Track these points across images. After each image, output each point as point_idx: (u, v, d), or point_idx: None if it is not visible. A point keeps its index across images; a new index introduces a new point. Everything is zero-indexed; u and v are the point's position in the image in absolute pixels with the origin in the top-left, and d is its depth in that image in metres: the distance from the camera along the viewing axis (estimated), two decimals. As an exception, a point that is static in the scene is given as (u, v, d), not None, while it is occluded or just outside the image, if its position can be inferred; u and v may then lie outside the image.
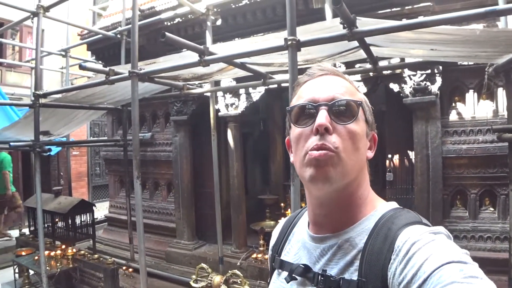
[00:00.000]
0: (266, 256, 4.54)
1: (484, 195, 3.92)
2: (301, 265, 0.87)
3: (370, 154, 0.90)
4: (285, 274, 0.92)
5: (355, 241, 0.81)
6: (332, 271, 0.81)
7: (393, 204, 0.89)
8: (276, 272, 1.01)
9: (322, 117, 0.81)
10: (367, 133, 0.88)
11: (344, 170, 0.80)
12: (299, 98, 0.89)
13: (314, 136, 0.81)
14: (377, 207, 0.87)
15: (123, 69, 3.63)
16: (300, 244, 0.95)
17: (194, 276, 3.44)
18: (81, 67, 3.38)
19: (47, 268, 4.71)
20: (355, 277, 0.76)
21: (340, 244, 0.83)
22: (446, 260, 0.64)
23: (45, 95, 4.34)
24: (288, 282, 0.89)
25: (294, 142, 0.89)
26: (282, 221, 1.15)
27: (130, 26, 4.58)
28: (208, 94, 4.64)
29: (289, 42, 2.35)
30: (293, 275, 0.88)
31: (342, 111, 0.83)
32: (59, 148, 8.76)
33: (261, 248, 4.73)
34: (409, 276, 0.66)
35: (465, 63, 3.80)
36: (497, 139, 3.44)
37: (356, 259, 0.79)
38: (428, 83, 3.74)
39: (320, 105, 0.83)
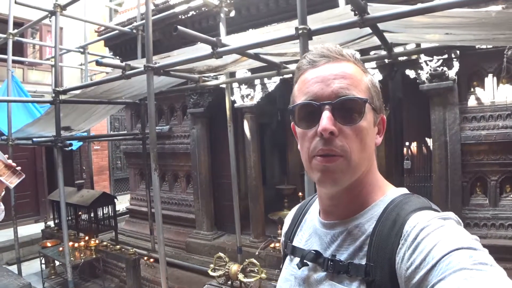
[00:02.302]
0: (284, 245, 4.58)
1: (505, 182, 3.84)
2: (312, 251, 0.87)
3: (379, 139, 0.87)
4: (297, 260, 0.92)
5: (364, 227, 0.81)
6: (342, 256, 0.81)
7: (403, 190, 0.87)
8: (288, 258, 1.00)
9: (326, 120, 0.76)
10: (374, 122, 0.84)
11: (353, 171, 0.79)
12: (301, 93, 0.83)
13: (319, 138, 0.77)
14: (386, 193, 0.86)
15: (139, 63, 3.69)
16: (311, 231, 0.95)
17: (212, 265, 3.50)
18: (98, 63, 3.45)
19: (72, 258, 4.87)
20: (364, 262, 0.76)
21: (349, 230, 0.82)
22: (455, 246, 0.63)
23: (64, 92, 4.45)
24: (299, 268, 0.89)
25: (299, 137, 0.86)
26: (295, 208, 1.13)
27: (144, 21, 4.65)
28: (224, 85, 4.67)
29: (300, 31, 2.35)
30: (305, 260, 0.88)
31: (347, 111, 0.78)
32: (81, 143, 8.98)
33: (279, 238, 4.75)
34: (417, 262, 0.65)
35: (483, 46, 3.70)
36: (517, 124, 3.37)
37: (365, 244, 0.78)
38: (445, 68, 3.67)
39: (323, 105, 0.77)
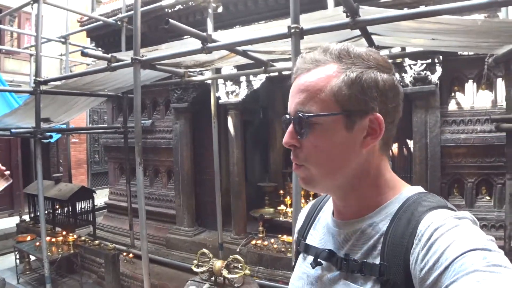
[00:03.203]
0: (266, 243, 4.62)
1: (481, 184, 3.98)
2: (326, 250, 0.86)
3: (370, 141, 0.79)
4: (310, 258, 0.92)
5: (379, 225, 0.80)
6: (356, 255, 0.80)
7: (419, 188, 0.85)
8: (301, 256, 1.00)
9: (287, 134, 0.82)
10: (347, 126, 0.78)
11: (323, 179, 0.82)
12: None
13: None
14: (401, 191, 0.84)
15: (125, 56, 3.64)
16: (325, 230, 0.94)
17: (195, 261, 3.49)
18: (83, 54, 3.39)
19: (49, 253, 4.76)
20: (377, 261, 0.76)
21: (363, 229, 0.82)
22: (469, 247, 0.62)
23: (46, 82, 4.35)
24: (313, 268, 0.89)
25: None
26: (309, 205, 1.12)
27: (130, 12, 4.57)
28: (209, 81, 4.65)
29: (293, 30, 2.36)
30: (318, 259, 0.87)
31: (300, 126, 0.80)
32: (59, 135, 8.76)
33: (260, 235, 4.80)
34: (430, 263, 0.65)
35: (465, 53, 3.82)
36: (495, 129, 3.49)
37: (378, 243, 0.78)
38: (428, 73, 3.77)
39: (286, 120, 0.84)
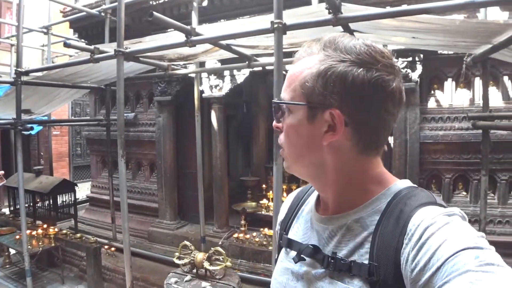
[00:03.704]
0: (248, 236, 4.67)
1: (458, 179, 4.10)
2: (310, 246, 0.85)
3: (328, 137, 0.78)
4: (293, 253, 0.90)
5: (366, 222, 0.78)
6: (341, 252, 0.79)
7: (407, 182, 0.83)
8: (283, 250, 0.97)
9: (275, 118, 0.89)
10: (309, 117, 0.79)
11: (290, 161, 0.87)
12: None
13: None
14: (389, 186, 0.81)
15: (109, 47, 3.61)
16: (308, 224, 0.92)
17: (177, 253, 3.50)
18: (66, 44, 3.35)
19: (29, 247, 4.71)
20: (365, 260, 0.74)
21: (349, 225, 0.80)
22: (461, 247, 0.60)
23: (27, 73, 4.28)
24: (296, 262, 0.87)
25: None
26: (292, 196, 1.09)
27: (114, 4, 4.53)
28: (193, 75, 4.65)
29: (276, 25, 2.38)
30: (302, 255, 0.86)
31: (276, 110, 0.87)
32: (40, 127, 8.62)
33: (243, 228, 4.84)
34: (422, 263, 0.63)
35: (445, 52, 3.91)
36: (472, 126, 3.59)
37: (366, 241, 0.76)
38: (408, 70, 3.85)
39: (273, 105, 0.89)
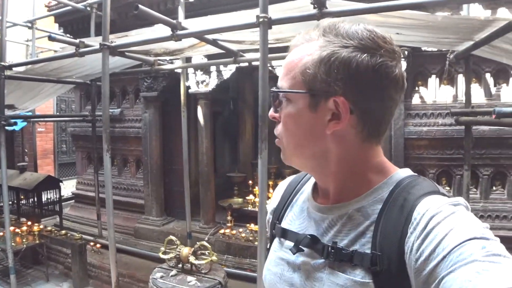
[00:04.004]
0: (234, 232, 4.68)
1: (442, 175, 4.17)
2: (308, 236, 0.82)
3: (332, 126, 0.76)
4: (288, 243, 0.88)
5: (367, 211, 0.76)
6: (342, 242, 0.76)
7: (407, 171, 0.82)
8: (277, 240, 0.95)
9: (272, 108, 0.86)
10: (311, 106, 0.77)
11: (288, 152, 0.84)
12: None
13: None
14: (391, 175, 0.80)
15: (94, 42, 3.57)
16: (305, 214, 0.90)
17: (162, 248, 3.50)
18: (51, 38, 3.31)
19: (13, 244, 4.64)
20: (367, 249, 0.72)
21: (350, 214, 0.78)
22: (467, 237, 0.59)
23: (10, 67, 4.21)
24: (294, 254, 0.84)
25: None
26: (284, 183, 1.07)
27: (100, -2, 4.47)
28: (179, 70, 4.62)
29: (261, 20, 2.39)
30: (300, 246, 0.83)
31: (275, 99, 0.84)
32: (24, 124, 8.48)
33: (229, 224, 4.86)
34: (426, 253, 0.62)
35: (429, 49, 3.97)
36: (455, 122, 3.65)
37: (368, 230, 0.74)
38: (393, 67, 3.88)
39: (271, 93, 0.85)
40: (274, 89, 0.82)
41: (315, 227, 0.84)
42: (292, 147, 0.82)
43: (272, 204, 1.06)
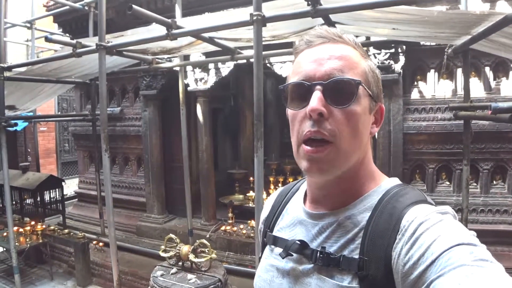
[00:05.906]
0: (235, 228, 4.69)
1: (441, 169, 4.15)
2: (297, 241, 0.82)
3: (375, 129, 0.82)
4: (279, 250, 0.88)
5: (357, 218, 0.77)
6: (331, 248, 0.77)
7: (396, 180, 0.84)
8: (268, 248, 0.96)
9: (316, 100, 0.73)
10: (370, 108, 0.79)
11: (343, 160, 0.76)
12: (295, 74, 0.80)
13: (309, 120, 0.74)
14: (380, 183, 0.82)
15: (91, 41, 3.58)
16: (295, 221, 0.90)
17: (163, 247, 3.52)
18: (47, 39, 3.32)
19: (16, 244, 4.68)
20: (355, 255, 0.73)
21: (340, 221, 0.79)
22: (455, 242, 0.61)
23: (10, 68, 4.24)
24: (283, 258, 0.85)
25: (290, 121, 0.82)
26: (275, 194, 1.07)
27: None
28: (177, 68, 4.63)
29: (255, 17, 2.39)
30: (289, 251, 0.83)
31: (338, 92, 0.74)
32: (26, 124, 8.54)
33: (230, 221, 4.88)
34: (415, 257, 0.63)
35: (427, 43, 3.94)
36: (453, 116, 3.63)
37: (357, 236, 0.75)
38: (391, 62, 3.87)
39: (314, 85, 0.74)
40: (349, 78, 0.75)
41: (305, 233, 0.85)
42: (353, 148, 0.77)
43: (263, 213, 1.07)
